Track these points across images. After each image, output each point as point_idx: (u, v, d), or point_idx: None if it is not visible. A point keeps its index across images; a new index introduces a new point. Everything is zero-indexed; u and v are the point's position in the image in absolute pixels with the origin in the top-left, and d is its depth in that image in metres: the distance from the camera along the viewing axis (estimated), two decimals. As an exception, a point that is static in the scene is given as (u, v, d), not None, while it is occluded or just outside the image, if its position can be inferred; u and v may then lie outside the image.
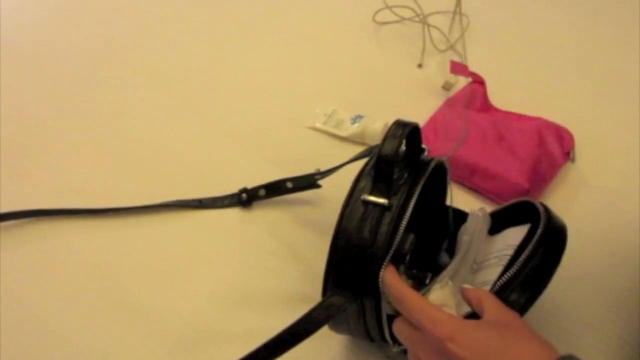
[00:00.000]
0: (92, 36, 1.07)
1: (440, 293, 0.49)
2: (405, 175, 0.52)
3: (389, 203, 0.50)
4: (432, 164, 0.55)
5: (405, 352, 0.55)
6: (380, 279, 0.49)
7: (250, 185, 0.78)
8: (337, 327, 0.58)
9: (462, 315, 0.49)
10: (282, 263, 0.71)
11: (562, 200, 0.77)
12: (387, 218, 0.49)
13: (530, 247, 0.51)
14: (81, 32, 1.09)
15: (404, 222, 0.49)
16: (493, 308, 0.45)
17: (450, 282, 0.50)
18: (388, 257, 0.49)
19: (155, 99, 0.94)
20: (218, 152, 0.86)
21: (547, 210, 0.55)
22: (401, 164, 0.54)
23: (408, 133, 0.52)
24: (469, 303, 0.48)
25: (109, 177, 0.82)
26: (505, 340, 0.42)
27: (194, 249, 0.74)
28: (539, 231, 0.52)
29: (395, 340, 0.54)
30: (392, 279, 0.48)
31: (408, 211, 0.50)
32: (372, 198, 0.50)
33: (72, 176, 0.82)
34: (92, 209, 0.77)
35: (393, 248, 0.49)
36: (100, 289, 0.69)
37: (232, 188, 0.79)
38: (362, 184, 0.52)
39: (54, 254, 0.73)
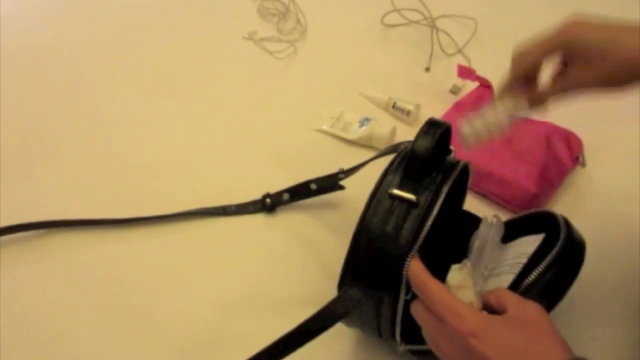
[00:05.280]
0: (100, 40, 1.07)
1: (459, 274, 0.49)
2: (434, 174, 0.52)
3: (416, 199, 0.50)
4: (460, 166, 0.55)
5: (412, 352, 0.55)
6: (404, 271, 0.49)
7: (261, 187, 0.78)
8: (349, 321, 0.58)
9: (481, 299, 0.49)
10: (307, 267, 0.71)
11: (571, 205, 0.77)
12: (414, 215, 0.49)
13: (549, 258, 0.51)
14: (88, 34, 1.08)
15: (430, 221, 0.49)
16: (515, 303, 0.46)
17: (468, 264, 0.50)
18: (410, 255, 0.49)
19: (164, 106, 0.94)
20: (226, 156, 0.86)
21: (567, 223, 0.55)
22: (429, 163, 0.53)
23: (442, 133, 0.52)
24: (489, 306, 0.48)
25: (129, 188, 0.81)
26: (526, 339, 0.43)
27: (218, 256, 0.74)
28: (559, 244, 0.52)
29: (403, 339, 0.54)
30: (417, 269, 0.48)
31: (435, 210, 0.50)
32: (401, 193, 0.50)
33: (93, 186, 0.82)
34: (114, 219, 0.76)
35: (417, 246, 0.49)
36: (121, 298, 0.69)
37: (244, 191, 0.79)
38: (389, 178, 0.52)
39: (77, 265, 0.72)
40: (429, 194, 0.50)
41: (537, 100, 0.55)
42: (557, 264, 0.51)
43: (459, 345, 0.44)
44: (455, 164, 0.55)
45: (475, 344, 0.43)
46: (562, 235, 0.53)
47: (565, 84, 0.54)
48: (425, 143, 0.50)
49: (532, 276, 0.50)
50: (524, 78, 0.55)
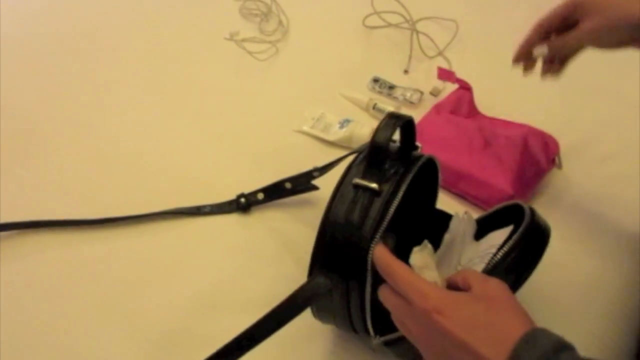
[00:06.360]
0: (77, 41, 1.06)
1: (420, 255, 0.50)
2: (397, 166, 0.54)
3: (379, 188, 0.51)
4: (424, 158, 0.56)
5: (386, 344, 0.55)
6: (369, 259, 0.50)
7: (238, 188, 0.78)
8: (321, 315, 0.58)
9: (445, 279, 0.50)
10: (282, 265, 0.71)
11: (546, 206, 0.77)
12: (377, 203, 0.51)
13: (513, 239, 0.52)
14: (63, 35, 1.07)
15: (393, 208, 0.50)
16: (479, 281, 0.47)
17: (429, 245, 0.51)
18: (375, 242, 0.50)
19: (142, 106, 0.93)
20: (205, 157, 0.85)
21: (532, 210, 0.56)
22: (394, 156, 0.55)
23: (401, 124, 0.53)
24: (456, 287, 0.48)
25: (103, 187, 0.81)
26: (488, 312, 0.44)
27: (193, 256, 0.73)
28: (522, 226, 0.53)
29: (377, 332, 0.54)
30: (381, 253, 0.49)
31: (397, 198, 0.51)
32: (363, 182, 0.52)
33: (68, 186, 0.81)
34: (89, 220, 0.75)
35: (380, 233, 0.50)
36: (96, 298, 0.68)
37: (220, 191, 0.78)
38: (354, 170, 0.54)
39: (51, 266, 0.72)
40: (391, 183, 0.52)
41: (556, 47, 0.69)
42: (521, 244, 0.52)
43: (425, 323, 0.45)
44: (419, 157, 0.57)
45: (439, 319, 0.44)
46: (526, 220, 0.54)
47: (570, 36, 0.66)
48: (385, 134, 0.52)
49: (498, 256, 0.51)
50: (545, 32, 0.69)
